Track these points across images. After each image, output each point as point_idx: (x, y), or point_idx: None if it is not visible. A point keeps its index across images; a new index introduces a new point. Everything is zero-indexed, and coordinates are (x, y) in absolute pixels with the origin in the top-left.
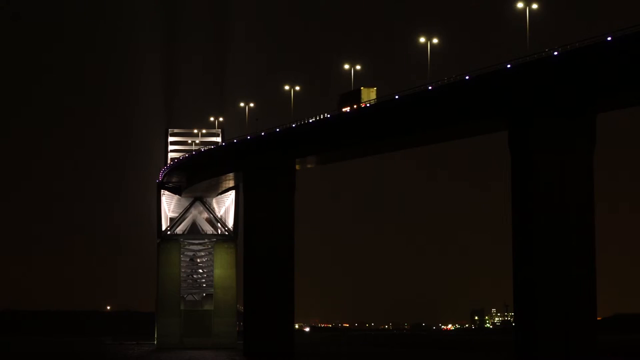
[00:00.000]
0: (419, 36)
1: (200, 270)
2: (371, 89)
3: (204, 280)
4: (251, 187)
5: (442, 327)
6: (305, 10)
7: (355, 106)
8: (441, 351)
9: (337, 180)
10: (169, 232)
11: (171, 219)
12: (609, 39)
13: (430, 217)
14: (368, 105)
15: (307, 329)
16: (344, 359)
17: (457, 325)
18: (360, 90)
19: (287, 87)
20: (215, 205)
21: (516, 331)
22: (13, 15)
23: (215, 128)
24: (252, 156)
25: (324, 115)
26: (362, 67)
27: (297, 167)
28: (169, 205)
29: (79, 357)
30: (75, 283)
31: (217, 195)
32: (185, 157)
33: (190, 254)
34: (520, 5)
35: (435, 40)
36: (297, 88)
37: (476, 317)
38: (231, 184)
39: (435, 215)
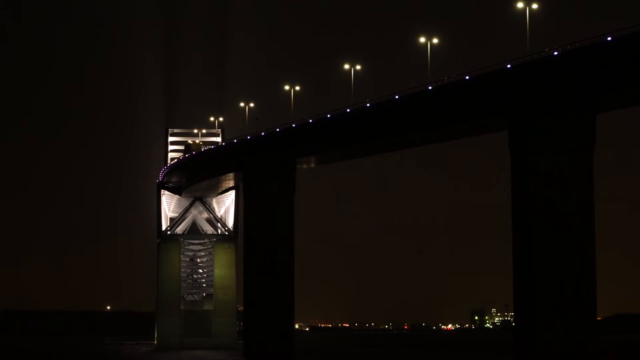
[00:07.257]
0: (419, 36)
1: (200, 270)
2: (200, 143)
3: (204, 280)
4: (251, 187)
5: (442, 327)
6: (306, 10)
7: (187, 155)
8: (441, 351)
9: (337, 180)
10: (169, 232)
11: (171, 219)
12: (609, 39)
13: (430, 217)
14: (368, 104)
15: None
16: (344, 359)
17: (457, 325)
18: (191, 144)
19: (287, 87)
20: (215, 205)
21: (516, 331)
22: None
23: (215, 128)
24: (252, 156)
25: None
26: (362, 67)
27: (297, 167)
28: (169, 205)
29: (79, 357)
30: (75, 283)
31: (217, 195)
32: (185, 157)
33: (190, 254)
34: (520, 5)
35: (435, 40)
36: (297, 88)
37: (476, 317)
38: (231, 184)
39: (435, 215)
